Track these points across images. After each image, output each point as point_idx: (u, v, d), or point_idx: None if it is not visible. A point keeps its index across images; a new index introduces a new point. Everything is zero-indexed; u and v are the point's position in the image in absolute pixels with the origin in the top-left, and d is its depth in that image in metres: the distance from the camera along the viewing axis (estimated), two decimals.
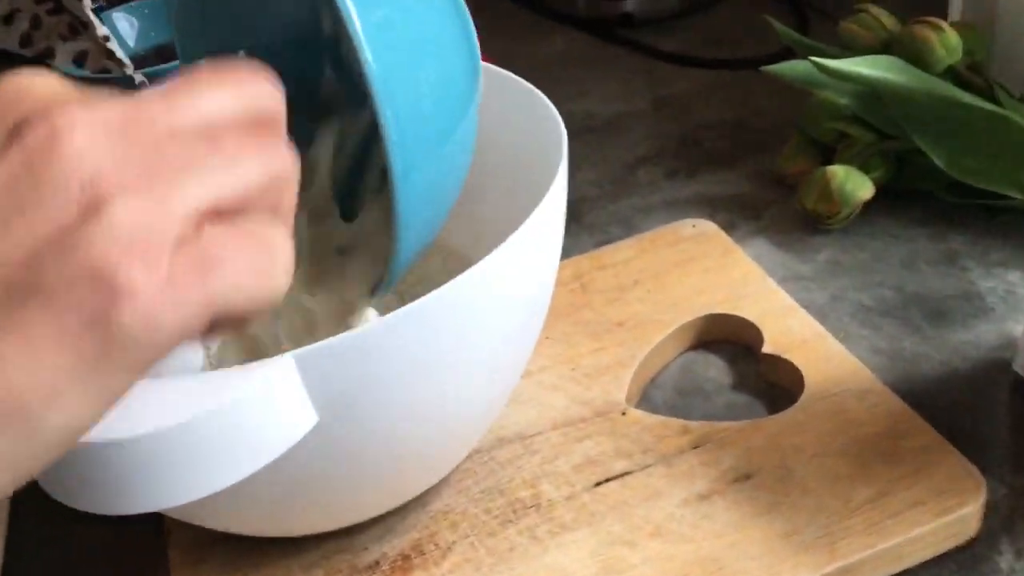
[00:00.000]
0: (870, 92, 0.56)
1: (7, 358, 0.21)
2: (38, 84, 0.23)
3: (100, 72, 0.53)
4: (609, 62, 0.82)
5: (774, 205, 0.62)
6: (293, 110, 0.26)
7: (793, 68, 0.58)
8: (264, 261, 0.24)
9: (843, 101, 0.57)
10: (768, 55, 0.77)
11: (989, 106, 0.53)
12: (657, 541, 0.40)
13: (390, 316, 0.33)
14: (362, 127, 0.42)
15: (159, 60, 0.57)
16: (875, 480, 0.41)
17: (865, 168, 0.57)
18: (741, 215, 0.61)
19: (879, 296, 0.54)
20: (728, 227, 0.60)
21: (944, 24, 0.57)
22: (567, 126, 0.42)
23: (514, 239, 0.35)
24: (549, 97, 0.44)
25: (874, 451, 0.42)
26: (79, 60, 0.55)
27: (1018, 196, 0.54)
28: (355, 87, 0.40)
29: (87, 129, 0.22)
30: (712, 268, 0.54)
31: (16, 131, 0.22)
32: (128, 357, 0.22)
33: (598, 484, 0.43)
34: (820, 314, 0.52)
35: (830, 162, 0.61)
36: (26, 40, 0.55)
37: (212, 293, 0.22)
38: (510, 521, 0.42)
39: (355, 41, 0.30)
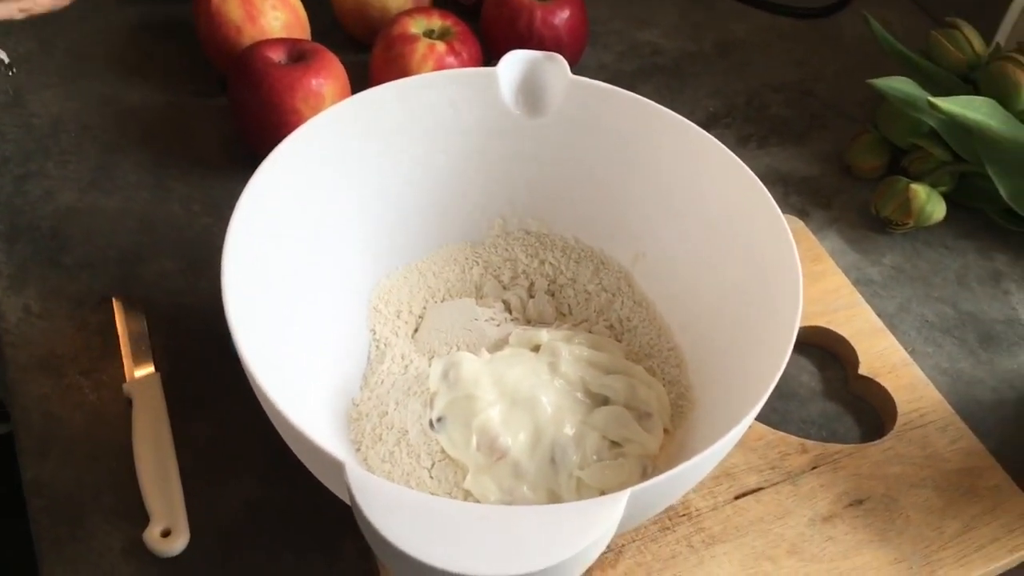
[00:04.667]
0: (959, 123, 0.62)
1: None
2: None
3: None
4: None
5: (842, 195, 0.68)
6: None
7: (896, 87, 0.62)
8: None
9: (931, 122, 0.63)
10: (826, 6, 0.81)
11: None
12: (794, 559, 0.49)
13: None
14: None
15: None
16: (960, 514, 0.51)
17: (933, 181, 0.64)
18: (812, 201, 0.68)
19: (939, 312, 0.62)
20: (801, 214, 0.67)
21: None
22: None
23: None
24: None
25: (958, 488, 0.52)
26: None
27: None
28: None
29: None
30: (806, 276, 0.60)
31: None
32: None
33: (737, 498, 0.51)
34: (890, 324, 0.60)
35: (898, 162, 0.67)
36: None
37: None
38: (668, 528, 0.50)
39: None
